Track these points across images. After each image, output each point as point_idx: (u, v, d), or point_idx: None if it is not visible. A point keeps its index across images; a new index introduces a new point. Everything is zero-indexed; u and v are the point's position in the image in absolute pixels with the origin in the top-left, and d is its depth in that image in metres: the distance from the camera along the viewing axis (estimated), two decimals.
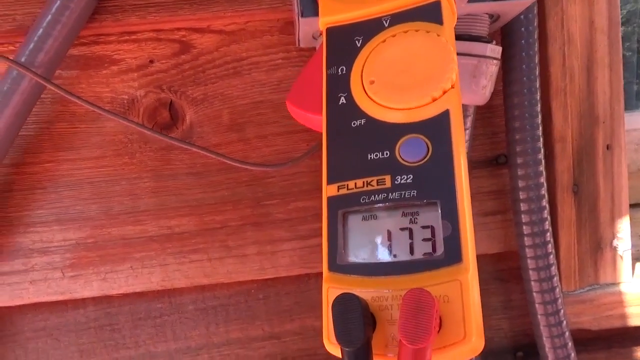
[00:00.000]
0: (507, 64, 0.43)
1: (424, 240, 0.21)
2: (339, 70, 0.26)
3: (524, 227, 0.44)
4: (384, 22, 0.26)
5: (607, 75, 0.45)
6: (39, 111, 0.43)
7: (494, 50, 0.37)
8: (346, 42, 0.27)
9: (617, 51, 0.45)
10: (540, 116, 0.43)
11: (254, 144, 0.45)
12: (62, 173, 0.44)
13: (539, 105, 0.43)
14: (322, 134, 0.26)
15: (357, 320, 0.19)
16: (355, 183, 0.23)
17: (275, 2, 0.42)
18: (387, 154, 0.23)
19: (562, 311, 0.45)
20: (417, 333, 0.18)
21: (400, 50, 0.25)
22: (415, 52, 0.25)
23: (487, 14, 0.38)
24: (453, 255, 0.20)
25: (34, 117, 0.43)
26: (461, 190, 0.21)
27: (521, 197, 0.44)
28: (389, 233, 0.22)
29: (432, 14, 0.25)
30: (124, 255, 0.45)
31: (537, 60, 0.42)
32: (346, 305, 0.19)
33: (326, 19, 0.28)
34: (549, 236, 0.44)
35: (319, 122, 0.26)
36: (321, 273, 0.23)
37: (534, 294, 0.45)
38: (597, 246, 0.47)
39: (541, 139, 0.43)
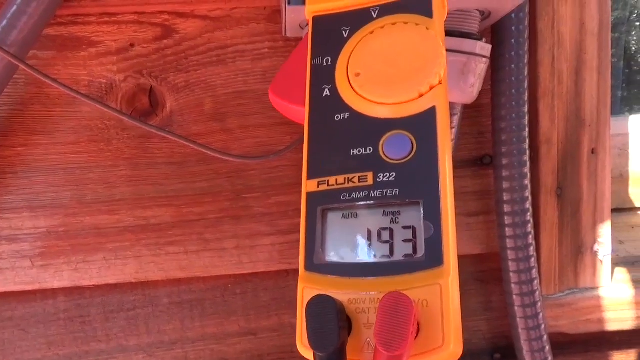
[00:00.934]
0: (495, 62, 0.42)
1: (405, 241, 0.21)
2: (324, 61, 0.25)
3: (507, 229, 0.44)
4: (373, 12, 0.25)
5: (595, 79, 0.45)
6: (11, 92, 0.41)
7: (484, 48, 0.37)
8: (333, 32, 0.26)
9: (606, 55, 0.45)
10: (527, 117, 0.43)
11: (236, 135, 0.44)
12: (35, 158, 0.43)
13: (527, 106, 0.42)
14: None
15: (331, 323, 0.18)
16: (337, 179, 0.23)
17: None
18: (370, 150, 0.23)
19: (541, 314, 0.45)
20: (393, 339, 0.17)
21: (388, 43, 0.24)
22: (403, 46, 0.24)
23: (478, 10, 0.37)
24: (434, 257, 0.20)
25: (6, 99, 0.41)
26: (445, 191, 0.21)
27: (505, 198, 0.43)
28: (369, 232, 0.21)
29: (422, 7, 0.24)
30: (97, 246, 0.44)
31: (526, 61, 0.41)
32: (321, 307, 0.18)
33: (312, 7, 0.27)
34: (531, 239, 0.44)
35: (302, 114, 0.26)
36: None
37: (514, 296, 0.45)
38: (578, 250, 0.47)
39: (527, 141, 0.43)
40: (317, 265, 0.21)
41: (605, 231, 0.47)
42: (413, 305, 0.18)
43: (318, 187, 0.23)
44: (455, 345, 0.19)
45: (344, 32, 0.25)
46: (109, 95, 0.42)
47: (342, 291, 0.20)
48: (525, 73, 0.42)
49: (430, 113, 0.22)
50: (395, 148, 0.22)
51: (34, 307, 0.45)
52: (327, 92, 0.25)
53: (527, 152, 0.43)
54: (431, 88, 0.23)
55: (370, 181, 0.22)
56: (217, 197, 0.44)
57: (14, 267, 0.43)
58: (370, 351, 0.19)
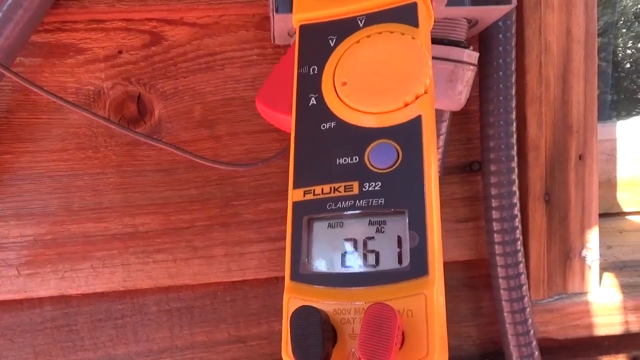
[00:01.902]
0: (483, 70, 0.42)
1: (390, 250, 0.21)
2: (311, 70, 0.25)
3: (495, 235, 0.44)
4: (359, 22, 0.25)
5: (582, 86, 0.45)
6: None
7: (471, 55, 0.37)
8: (319, 41, 0.26)
9: (592, 62, 0.45)
10: (515, 124, 0.43)
11: (224, 142, 0.44)
12: (22, 165, 0.42)
13: (514, 112, 0.43)
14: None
15: (315, 335, 0.18)
16: (322, 188, 0.22)
17: None
18: (356, 159, 0.22)
19: (529, 320, 0.45)
20: (377, 350, 0.17)
21: (374, 52, 0.24)
22: (389, 55, 0.24)
23: (465, 18, 0.37)
24: (419, 267, 0.20)
25: None
26: (430, 200, 0.21)
27: (493, 204, 0.44)
28: (355, 242, 0.21)
29: (408, 16, 0.24)
30: (84, 254, 0.43)
31: (513, 68, 0.42)
32: (305, 319, 0.18)
33: (299, 16, 0.27)
34: (519, 245, 0.44)
35: (289, 122, 0.25)
36: None
37: (503, 302, 0.45)
38: (566, 256, 0.48)
39: (515, 147, 0.43)
40: (303, 275, 0.21)
41: (593, 236, 0.48)
42: (397, 317, 0.18)
43: (304, 196, 0.23)
44: (439, 354, 0.18)
45: (330, 41, 0.25)
46: (97, 102, 0.42)
47: (327, 301, 0.20)
48: (513, 80, 0.42)
49: (416, 122, 0.22)
50: (380, 157, 0.22)
51: (20, 316, 0.45)
52: (313, 101, 0.25)
53: (515, 158, 0.43)
54: (417, 97, 0.23)
55: (356, 190, 0.22)
56: (206, 204, 0.44)
57: (0, 276, 0.43)
58: None
